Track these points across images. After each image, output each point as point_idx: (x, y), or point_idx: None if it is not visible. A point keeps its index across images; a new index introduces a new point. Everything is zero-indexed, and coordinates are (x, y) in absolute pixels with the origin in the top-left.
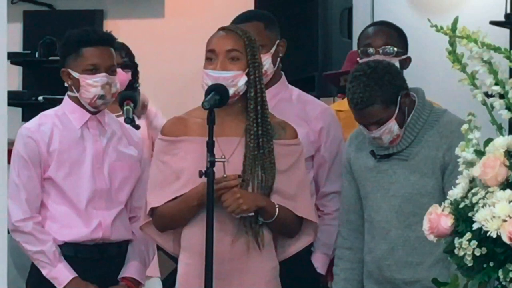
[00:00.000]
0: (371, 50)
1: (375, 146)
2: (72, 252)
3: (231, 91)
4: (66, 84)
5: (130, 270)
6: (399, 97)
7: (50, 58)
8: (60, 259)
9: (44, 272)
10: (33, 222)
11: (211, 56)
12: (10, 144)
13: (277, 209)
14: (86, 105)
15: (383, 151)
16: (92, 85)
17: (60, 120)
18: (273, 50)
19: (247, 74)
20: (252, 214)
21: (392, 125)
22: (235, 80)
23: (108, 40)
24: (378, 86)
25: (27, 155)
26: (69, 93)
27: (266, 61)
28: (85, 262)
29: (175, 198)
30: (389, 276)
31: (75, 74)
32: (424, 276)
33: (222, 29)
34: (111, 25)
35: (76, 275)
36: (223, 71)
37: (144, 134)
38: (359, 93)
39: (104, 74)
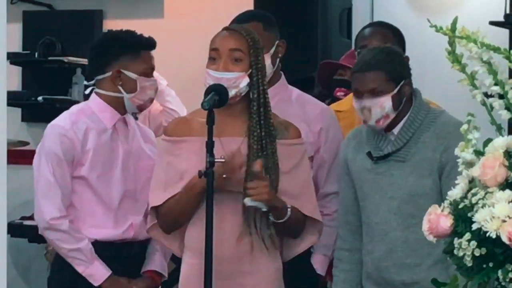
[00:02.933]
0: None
1: (372, 147)
2: (99, 250)
3: (233, 92)
4: (86, 82)
5: (153, 263)
6: (403, 81)
7: (50, 58)
8: (95, 256)
9: (80, 269)
10: (68, 220)
11: (214, 56)
12: (9, 144)
13: (289, 210)
14: (132, 107)
15: (379, 151)
16: (149, 87)
17: (91, 119)
18: (272, 50)
19: (250, 75)
20: (265, 209)
21: (386, 101)
22: (237, 82)
23: (155, 46)
24: (389, 58)
25: (62, 154)
26: (101, 91)
27: (266, 61)
28: (109, 260)
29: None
30: (388, 278)
31: (132, 75)
32: (423, 277)
33: (227, 28)
34: (110, 25)
35: (111, 272)
36: (225, 72)
37: None
38: (368, 57)
39: (153, 78)
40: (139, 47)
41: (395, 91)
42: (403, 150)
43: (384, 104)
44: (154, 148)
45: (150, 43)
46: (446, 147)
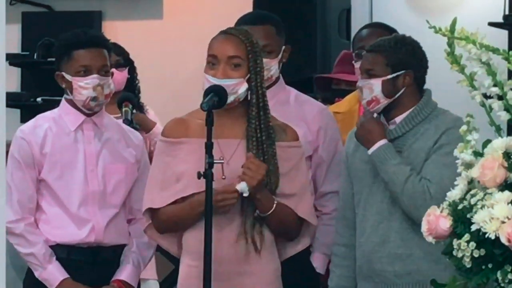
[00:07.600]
0: (365, 52)
1: None
2: (65, 254)
3: (231, 98)
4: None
5: (122, 273)
6: (403, 71)
7: (49, 59)
8: (50, 260)
9: (36, 274)
10: (24, 224)
11: (212, 61)
12: (8, 145)
13: (274, 204)
14: (81, 107)
15: None
16: (84, 87)
17: (56, 122)
18: (280, 55)
19: (249, 80)
20: (246, 194)
21: (375, 84)
22: (236, 88)
23: (99, 41)
24: (396, 46)
25: (20, 157)
26: (65, 95)
27: (274, 66)
28: (78, 264)
29: (176, 201)
30: (380, 269)
31: (68, 77)
32: (414, 269)
33: (224, 32)
34: (109, 27)
35: (67, 276)
36: (224, 79)
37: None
38: (377, 42)
39: (95, 75)
40: (70, 48)
41: (388, 77)
42: (402, 140)
43: (373, 87)
44: (136, 152)
45: (82, 41)
46: (440, 135)
